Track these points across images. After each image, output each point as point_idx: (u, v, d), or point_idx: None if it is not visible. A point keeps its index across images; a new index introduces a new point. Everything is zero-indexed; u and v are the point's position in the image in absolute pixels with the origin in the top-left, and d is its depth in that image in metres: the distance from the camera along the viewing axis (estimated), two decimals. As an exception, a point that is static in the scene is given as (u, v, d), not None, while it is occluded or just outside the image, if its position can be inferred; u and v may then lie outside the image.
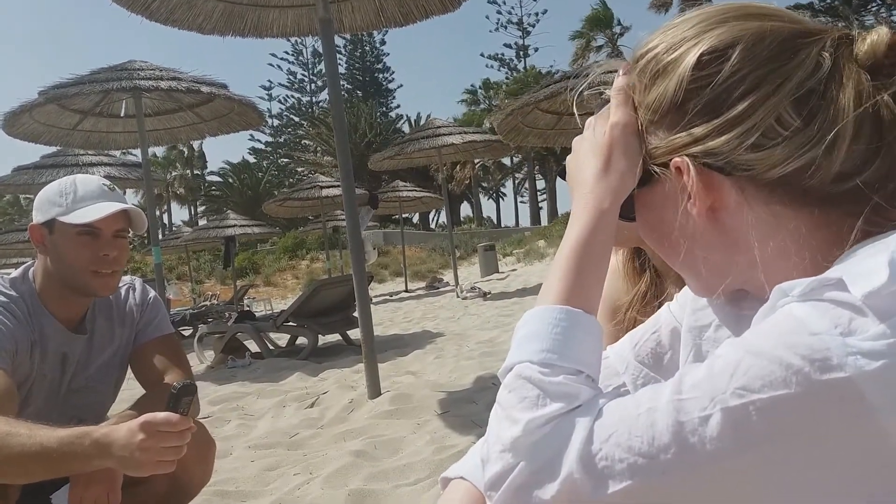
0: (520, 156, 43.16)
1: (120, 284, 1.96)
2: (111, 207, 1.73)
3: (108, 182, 1.83)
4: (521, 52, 54.01)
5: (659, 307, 0.84)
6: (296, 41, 53.44)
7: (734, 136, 0.58)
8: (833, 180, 0.57)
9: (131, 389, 2.02)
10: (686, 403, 0.50)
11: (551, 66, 50.15)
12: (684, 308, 0.79)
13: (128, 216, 1.79)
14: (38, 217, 1.76)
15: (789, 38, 0.58)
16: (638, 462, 0.51)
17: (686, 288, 0.81)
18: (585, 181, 0.68)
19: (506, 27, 54.52)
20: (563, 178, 0.74)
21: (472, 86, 51.01)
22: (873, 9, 26.21)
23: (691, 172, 0.60)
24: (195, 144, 48.27)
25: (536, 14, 62.79)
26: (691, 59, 0.60)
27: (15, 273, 1.82)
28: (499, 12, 55.95)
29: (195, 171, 53.23)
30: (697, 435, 0.49)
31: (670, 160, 0.62)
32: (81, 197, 1.74)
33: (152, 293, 2.03)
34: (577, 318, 0.63)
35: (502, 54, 55.21)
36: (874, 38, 0.57)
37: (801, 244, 0.59)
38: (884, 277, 0.48)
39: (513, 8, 65.13)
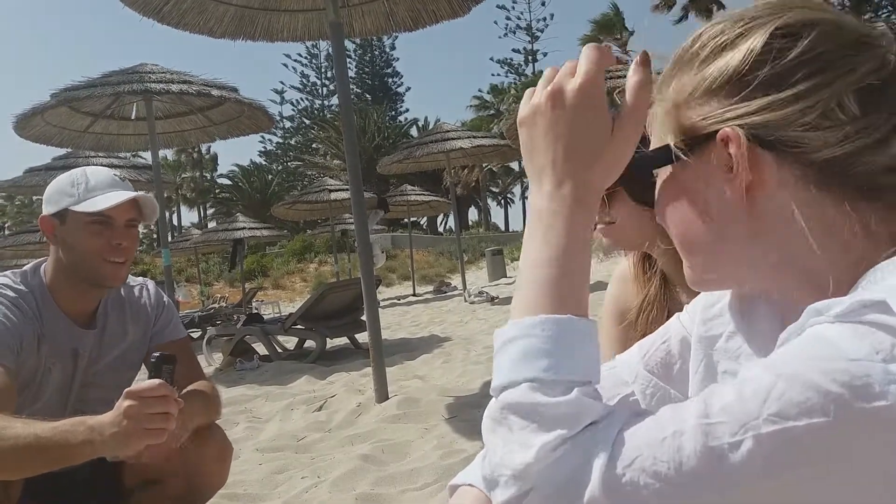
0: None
1: (132, 283, 1.98)
2: (123, 196, 1.75)
3: (118, 173, 1.86)
4: (530, 57, 54.06)
5: (667, 313, 0.84)
6: (311, 44, 53.69)
7: (793, 112, 0.57)
8: (882, 172, 0.57)
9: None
10: (715, 428, 0.48)
11: (560, 71, 49.93)
12: (694, 318, 0.78)
13: (139, 206, 1.81)
14: (48, 209, 1.78)
15: (862, 33, 0.60)
16: (665, 489, 0.49)
17: (697, 298, 0.81)
18: (558, 161, 0.63)
19: (514, 32, 54.63)
20: None
21: (480, 90, 51.10)
22: (883, 15, 26.14)
23: (742, 142, 0.59)
24: (207, 147, 48.53)
25: (544, 19, 62.91)
26: (766, 31, 0.60)
27: (26, 267, 1.84)
28: (507, 18, 56.06)
29: (205, 174, 53.51)
30: (728, 461, 0.47)
31: (717, 131, 0.60)
32: (93, 186, 1.76)
33: (165, 296, 2.05)
34: (574, 325, 0.59)
35: (511, 59, 55.28)
36: None
37: (833, 234, 0.58)
38: None
39: (521, 13, 65.24)
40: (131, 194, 1.76)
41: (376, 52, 57.84)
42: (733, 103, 0.60)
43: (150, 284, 2.03)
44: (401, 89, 59.30)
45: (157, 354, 1.47)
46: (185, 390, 1.80)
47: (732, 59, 0.61)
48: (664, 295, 1.44)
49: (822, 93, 0.57)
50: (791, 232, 0.59)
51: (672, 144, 0.64)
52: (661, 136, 0.67)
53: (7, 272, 1.82)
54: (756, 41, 0.59)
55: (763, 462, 0.46)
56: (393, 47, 58.90)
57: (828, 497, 0.47)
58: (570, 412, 0.53)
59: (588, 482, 0.50)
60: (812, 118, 0.57)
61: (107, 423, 1.41)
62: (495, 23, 63.95)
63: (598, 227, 1.44)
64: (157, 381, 1.42)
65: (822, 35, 0.58)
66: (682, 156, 0.63)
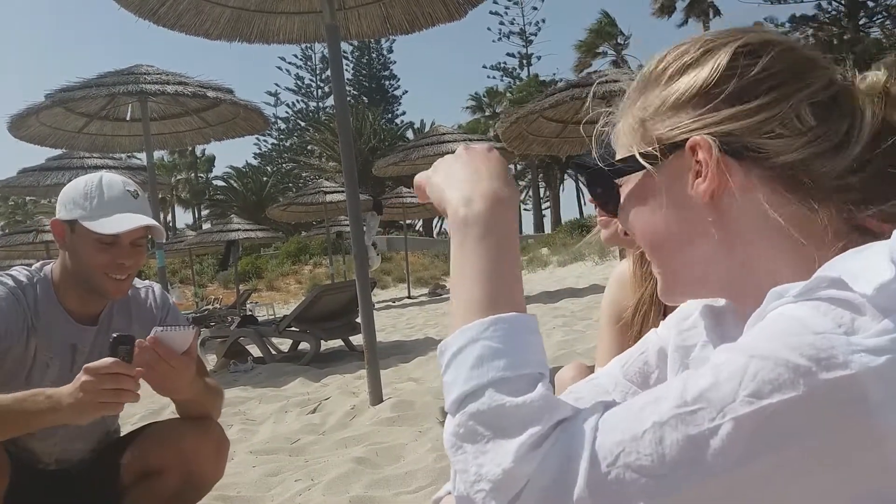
0: (523, 164, 43.23)
1: (138, 285, 2.01)
2: (132, 223, 1.76)
3: (132, 186, 1.85)
4: (525, 61, 54.19)
5: (663, 312, 0.86)
6: (306, 46, 53.68)
7: (757, 121, 0.63)
8: (837, 176, 0.62)
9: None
10: (694, 415, 0.49)
11: (554, 74, 50.34)
12: (671, 330, 0.83)
13: (147, 227, 1.82)
14: (61, 213, 1.80)
15: (811, 56, 0.67)
16: (650, 483, 0.49)
17: (673, 312, 0.85)
18: (471, 179, 0.68)
19: (508, 37, 54.72)
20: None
21: (475, 94, 51.10)
22: (878, 21, 26.26)
23: (712, 148, 0.63)
24: (203, 149, 48.46)
25: (537, 23, 63.04)
26: (730, 49, 0.66)
27: (37, 264, 1.89)
28: (501, 23, 55.96)
29: (200, 175, 53.43)
30: (709, 447, 0.48)
31: (686, 140, 0.65)
32: (106, 203, 1.77)
33: (171, 298, 2.08)
34: (520, 321, 0.59)
35: (505, 63, 55.40)
36: (872, 79, 0.66)
37: (795, 233, 0.62)
38: (889, 274, 0.49)
39: (514, 18, 65.32)
40: (139, 223, 1.77)
41: (373, 55, 57.90)
42: (701, 114, 0.65)
43: (156, 287, 2.06)
44: (398, 92, 59.42)
45: (114, 335, 1.56)
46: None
47: (699, 74, 0.66)
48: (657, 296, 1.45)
49: (781, 105, 0.63)
50: (756, 232, 0.64)
51: (637, 154, 0.68)
52: (626, 148, 0.71)
53: (19, 266, 1.88)
54: (721, 58, 0.65)
55: (744, 442, 0.48)
56: (390, 50, 59.00)
57: (808, 475, 0.48)
58: (539, 408, 0.53)
59: (574, 483, 0.50)
60: (773, 127, 0.63)
61: (65, 394, 1.51)
62: (489, 29, 63.85)
63: (599, 218, 1.45)
64: (112, 359, 1.51)
65: (780, 55, 0.65)
66: (649, 165, 0.68)
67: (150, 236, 1.88)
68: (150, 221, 1.80)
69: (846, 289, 0.50)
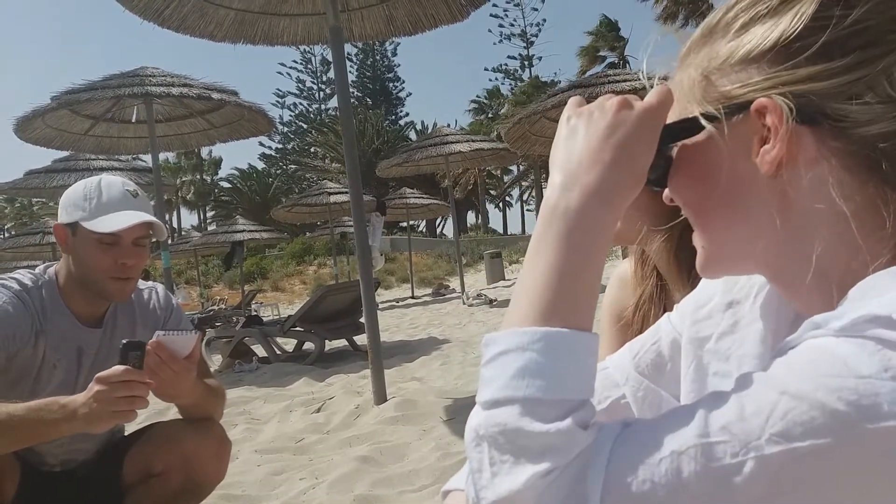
0: (525, 164, 43.17)
1: (142, 287, 2.01)
2: (132, 219, 1.76)
3: (131, 186, 1.86)
4: (526, 63, 54.13)
5: (663, 310, 0.84)
6: (304, 50, 53.79)
7: (841, 83, 0.54)
8: None
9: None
10: (715, 448, 0.46)
11: (555, 75, 50.29)
12: (684, 319, 0.77)
13: (148, 224, 1.82)
14: (63, 217, 1.81)
15: None
16: None
17: (686, 298, 0.80)
18: (582, 163, 0.59)
19: (509, 39, 54.68)
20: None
21: (478, 96, 51.17)
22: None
23: (783, 112, 0.55)
24: (209, 150, 48.61)
25: (538, 24, 62.96)
26: None
27: (40, 266, 1.89)
28: (501, 25, 56.00)
29: (205, 177, 53.53)
30: (729, 483, 0.45)
31: (752, 101, 0.57)
32: (105, 203, 1.77)
33: (174, 299, 2.08)
34: (576, 340, 0.55)
35: (506, 65, 55.45)
36: None
37: (859, 222, 0.55)
38: None
39: (515, 20, 65.30)
40: (139, 219, 1.77)
41: (377, 57, 57.92)
42: (776, 71, 0.56)
43: (160, 288, 2.06)
44: (402, 94, 59.46)
45: (124, 341, 1.54)
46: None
47: (777, 25, 0.57)
48: (660, 293, 1.46)
49: (872, 65, 0.53)
50: (818, 215, 0.56)
51: (699, 114, 0.60)
52: (685, 106, 0.63)
53: (22, 269, 1.88)
54: (806, 6, 0.56)
55: (767, 484, 0.44)
56: (395, 53, 59.07)
57: None
58: (562, 443, 0.50)
59: None
60: (860, 90, 0.53)
61: (78, 404, 1.50)
62: (490, 31, 63.90)
63: None
64: (123, 367, 1.50)
65: (877, 6, 0.55)
66: (711, 127, 0.60)
67: (152, 236, 1.86)
68: (150, 218, 1.80)
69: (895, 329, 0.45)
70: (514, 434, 0.51)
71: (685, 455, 0.46)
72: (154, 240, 1.91)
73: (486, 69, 70.17)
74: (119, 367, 1.50)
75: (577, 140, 0.61)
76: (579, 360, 0.54)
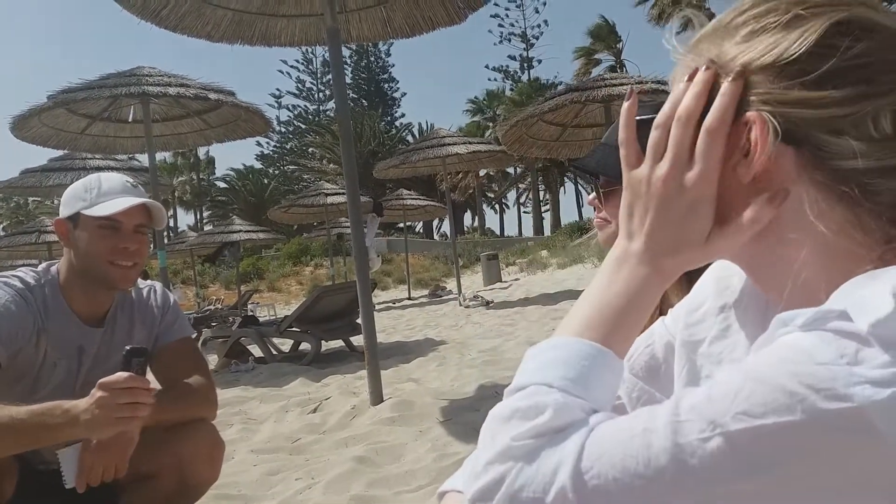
0: (523, 166, 43.24)
1: (141, 285, 2.03)
2: (131, 201, 1.80)
3: (131, 179, 1.91)
4: (525, 64, 54.17)
5: (659, 313, 0.85)
6: (307, 50, 53.69)
7: (828, 115, 0.55)
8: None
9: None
10: (684, 426, 0.49)
11: (555, 77, 50.37)
12: (678, 322, 0.79)
13: (148, 212, 1.86)
14: (63, 212, 1.84)
15: None
16: (632, 483, 0.50)
17: (680, 302, 0.81)
18: (645, 220, 0.63)
19: (509, 40, 54.71)
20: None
21: (476, 97, 51.14)
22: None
23: (767, 130, 0.56)
24: (205, 150, 48.59)
25: (539, 25, 63.07)
26: (824, 23, 0.56)
27: (42, 264, 1.91)
28: (501, 25, 55.96)
29: (202, 177, 53.47)
30: (695, 458, 0.48)
31: (744, 111, 0.58)
32: (105, 192, 1.82)
33: (173, 297, 2.10)
34: (610, 360, 0.61)
35: (506, 66, 55.44)
36: None
37: (830, 239, 0.57)
38: (889, 308, 0.48)
39: (516, 20, 65.39)
40: (139, 200, 1.82)
41: (372, 59, 57.89)
42: (770, 88, 0.57)
43: (158, 286, 2.08)
44: (397, 94, 59.42)
45: (127, 348, 1.55)
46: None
47: (781, 42, 0.57)
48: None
49: (864, 103, 0.54)
50: (792, 229, 0.59)
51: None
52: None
53: (24, 268, 1.89)
54: (810, 32, 0.56)
55: (731, 458, 0.47)
56: (388, 53, 59.00)
57: (794, 499, 0.48)
58: (566, 415, 0.55)
59: (557, 476, 0.51)
60: (845, 126, 0.55)
61: (81, 409, 1.51)
62: (490, 31, 63.89)
63: (595, 220, 1.48)
64: (126, 373, 1.50)
65: (879, 44, 0.55)
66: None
67: (153, 224, 1.88)
68: (149, 201, 1.84)
69: (850, 320, 0.48)
70: (528, 405, 0.56)
71: (656, 432, 0.50)
72: (158, 228, 1.93)
73: (486, 66, 70.10)
74: (122, 374, 1.50)
75: (652, 204, 0.64)
76: (607, 377, 0.61)
